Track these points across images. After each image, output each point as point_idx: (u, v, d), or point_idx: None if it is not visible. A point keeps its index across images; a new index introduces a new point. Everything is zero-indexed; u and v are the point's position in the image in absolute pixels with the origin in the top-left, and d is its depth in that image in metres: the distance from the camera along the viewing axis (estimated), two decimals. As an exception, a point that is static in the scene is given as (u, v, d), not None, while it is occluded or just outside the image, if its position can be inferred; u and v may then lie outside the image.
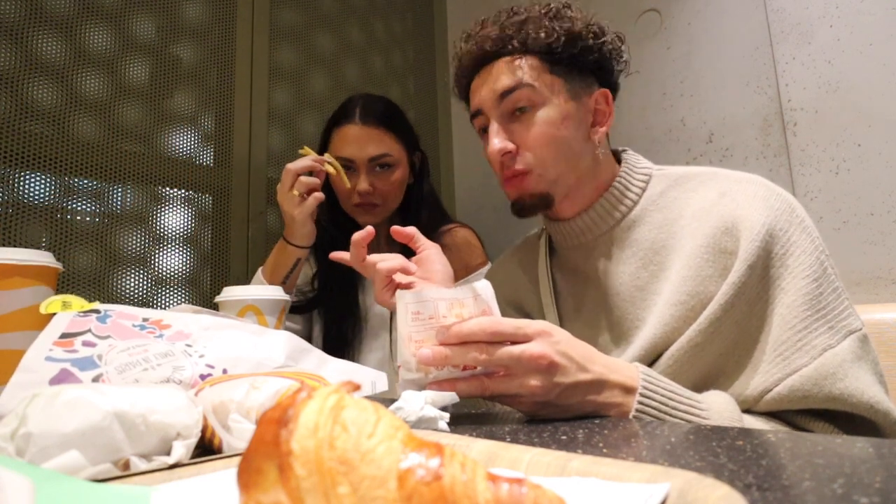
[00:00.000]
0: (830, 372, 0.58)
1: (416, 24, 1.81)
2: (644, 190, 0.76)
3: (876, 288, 1.05)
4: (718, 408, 0.55)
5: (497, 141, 0.72)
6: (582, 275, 0.78)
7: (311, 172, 1.00)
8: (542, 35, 0.71)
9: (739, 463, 0.31)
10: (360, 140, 1.09)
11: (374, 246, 1.22)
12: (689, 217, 0.70)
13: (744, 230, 0.64)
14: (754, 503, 0.24)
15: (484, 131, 0.77)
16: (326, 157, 1.04)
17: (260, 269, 1.07)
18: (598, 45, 0.73)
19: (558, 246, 0.82)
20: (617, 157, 0.80)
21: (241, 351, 0.55)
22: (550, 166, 0.72)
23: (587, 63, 0.74)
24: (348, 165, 1.09)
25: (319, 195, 0.99)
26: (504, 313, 0.84)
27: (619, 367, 0.55)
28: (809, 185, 1.14)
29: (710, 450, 0.35)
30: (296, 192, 0.97)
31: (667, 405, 0.54)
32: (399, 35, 1.75)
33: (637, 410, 0.53)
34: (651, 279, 0.70)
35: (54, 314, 0.51)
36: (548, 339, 0.51)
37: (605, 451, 0.37)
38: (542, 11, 0.73)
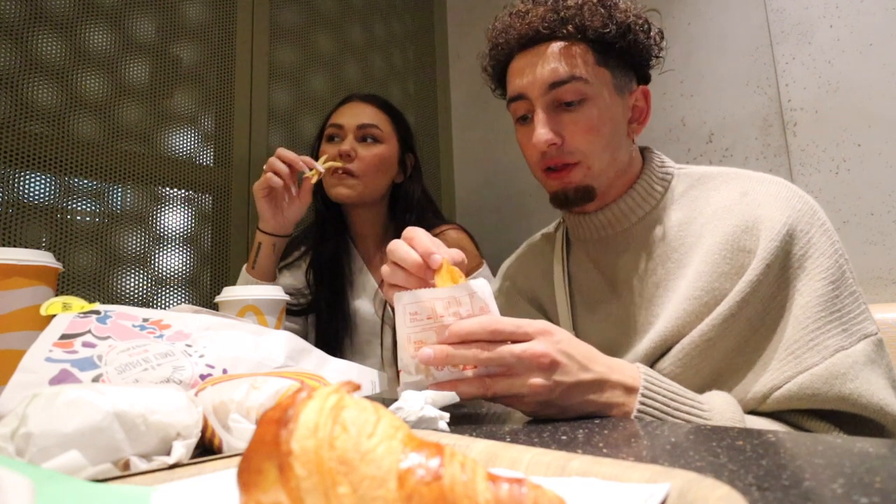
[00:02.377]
0: (841, 372, 0.57)
1: (416, 24, 1.81)
2: (666, 189, 0.76)
3: (876, 288, 1.05)
4: (720, 408, 0.55)
5: (544, 132, 0.69)
6: (599, 269, 0.78)
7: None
8: (597, 23, 0.69)
9: (739, 463, 0.31)
10: (354, 110, 1.15)
11: (364, 246, 1.22)
12: (709, 215, 0.70)
13: (764, 229, 0.64)
14: (754, 503, 0.24)
15: (524, 118, 0.74)
16: (319, 164, 1.04)
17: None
18: (644, 39, 0.72)
19: (576, 239, 0.82)
20: (640, 154, 0.80)
21: (241, 351, 0.55)
22: (596, 160, 0.71)
23: (632, 57, 0.73)
24: (337, 134, 1.13)
25: (271, 176, 0.99)
26: (519, 306, 0.85)
27: (621, 366, 0.55)
28: (809, 185, 1.14)
29: (710, 450, 0.35)
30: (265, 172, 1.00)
31: (668, 405, 0.54)
32: (399, 35, 1.75)
33: (639, 411, 0.53)
34: (668, 276, 0.70)
35: (54, 315, 0.51)
36: (549, 338, 0.51)
37: (605, 451, 0.37)
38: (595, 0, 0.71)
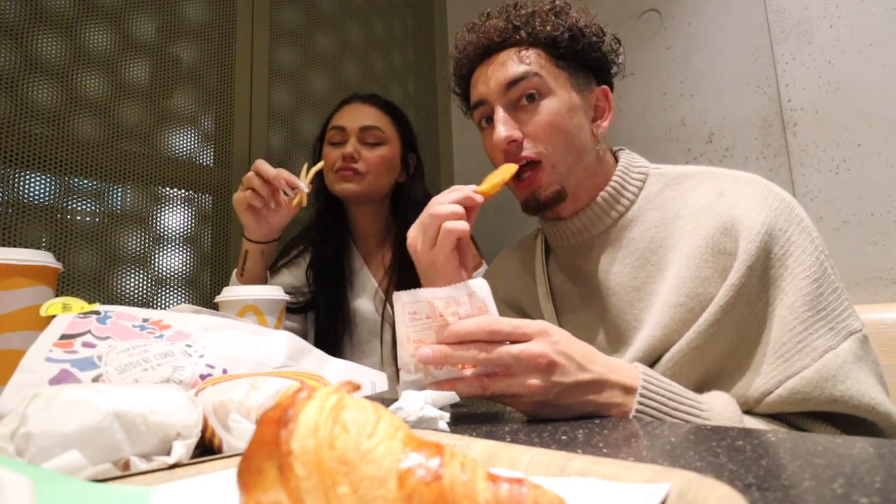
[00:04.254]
0: (831, 374, 0.57)
1: (416, 24, 1.81)
2: (641, 189, 0.75)
3: (876, 288, 1.05)
4: (719, 408, 0.55)
5: (503, 129, 0.70)
6: (578, 274, 0.78)
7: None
8: (549, 28, 0.72)
9: (739, 463, 0.31)
10: (355, 112, 1.14)
11: (364, 245, 1.22)
12: (687, 217, 0.69)
13: (743, 230, 0.63)
14: (754, 503, 0.24)
15: (487, 122, 0.76)
16: (302, 179, 0.96)
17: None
18: (598, 44, 0.75)
19: (554, 246, 0.82)
20: (614, 156, 0.80)
21: (241, 351, 0.55)
22: (560, 156, 0.71)
23: (588, 60, 0.75)
24: (340, 139, 1.12)
25: (251, 196, 0.92)
26: (503, 314, 0.84)
27: (620, 366, 0.55)
28: (809, 185, 1.14)
29: (710, 450, 0.35)
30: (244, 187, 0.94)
31: (667, 405, 0.54)
32: (399, 35, 1.75)
33: (637, 411, 0.53)
34: (648, 279, 0.70)
35: (54, 315, 0.51)
36: (547, 339, 0.51)
37: (605, 451, 0.37)
38: (547, 7, 0.74)
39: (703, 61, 1.31)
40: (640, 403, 0.53)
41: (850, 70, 1.11)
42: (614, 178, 0.76)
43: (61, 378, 0.43)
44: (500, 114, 0.72)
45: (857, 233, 1.08)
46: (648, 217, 0.73)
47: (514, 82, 0.71)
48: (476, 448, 0.32)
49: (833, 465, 0.29)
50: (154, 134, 1.17)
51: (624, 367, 0.55)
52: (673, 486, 0.24)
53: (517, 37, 0.73)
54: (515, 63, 0.72)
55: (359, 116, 1.13)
